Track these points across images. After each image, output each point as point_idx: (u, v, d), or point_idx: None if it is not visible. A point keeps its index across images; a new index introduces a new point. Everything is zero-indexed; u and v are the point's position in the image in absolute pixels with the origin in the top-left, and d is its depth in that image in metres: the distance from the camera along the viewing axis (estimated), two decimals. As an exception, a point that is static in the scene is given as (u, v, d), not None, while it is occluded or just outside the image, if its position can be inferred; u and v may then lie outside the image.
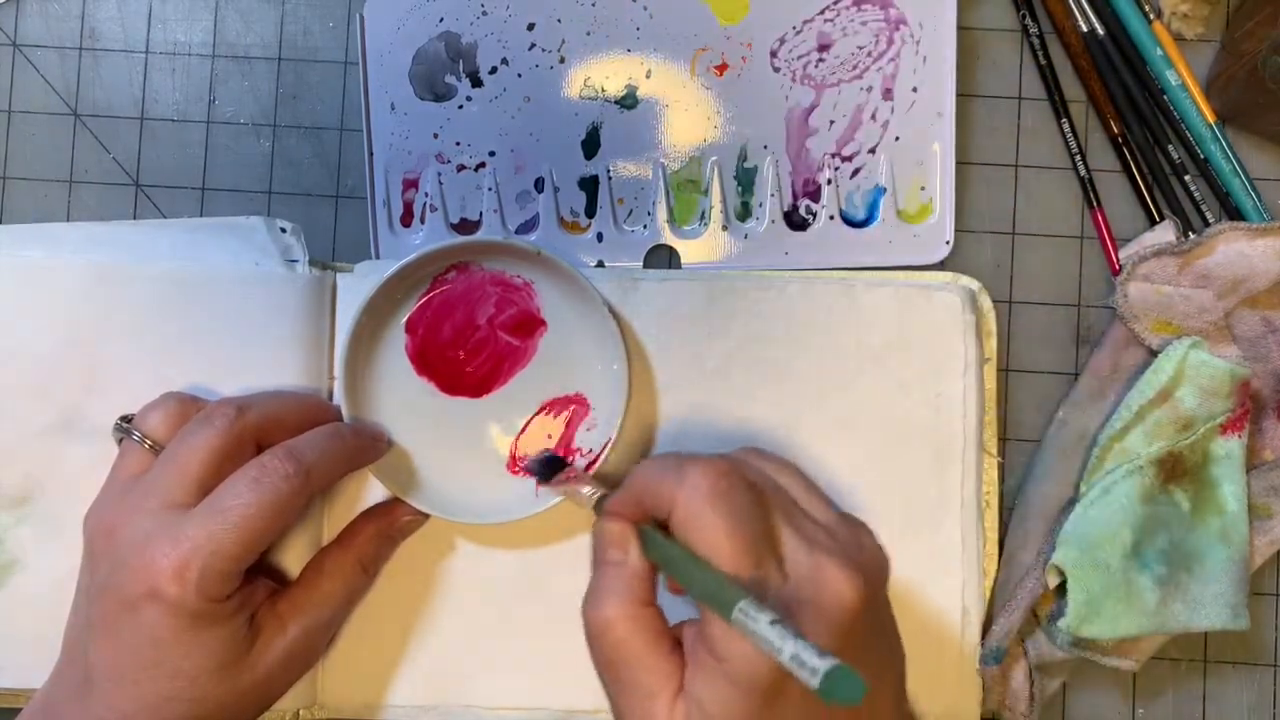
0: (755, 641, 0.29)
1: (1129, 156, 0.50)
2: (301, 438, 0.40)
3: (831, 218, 0.49)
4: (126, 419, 0.42)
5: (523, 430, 0.46)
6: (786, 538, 0.34)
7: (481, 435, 0.46)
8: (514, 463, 0.45)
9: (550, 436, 0.45)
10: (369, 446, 0.43)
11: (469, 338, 0.45)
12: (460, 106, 0.49)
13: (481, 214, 0.49)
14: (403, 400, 0.45)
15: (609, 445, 0.44)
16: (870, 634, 0.34)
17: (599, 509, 0.39)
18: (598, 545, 0.36)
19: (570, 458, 0.45)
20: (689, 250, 0.49)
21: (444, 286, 0.45)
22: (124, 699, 0.37)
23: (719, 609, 0.31)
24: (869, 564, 0.34)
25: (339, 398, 0.44)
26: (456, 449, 0.45)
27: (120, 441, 0.42)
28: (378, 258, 0.49)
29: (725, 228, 0.49)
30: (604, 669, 0.35)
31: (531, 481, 0.45)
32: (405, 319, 0.45)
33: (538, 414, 0.46)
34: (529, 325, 0.45)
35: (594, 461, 0.44)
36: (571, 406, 0.46)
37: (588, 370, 0.45)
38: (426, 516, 0.45)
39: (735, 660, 0.32)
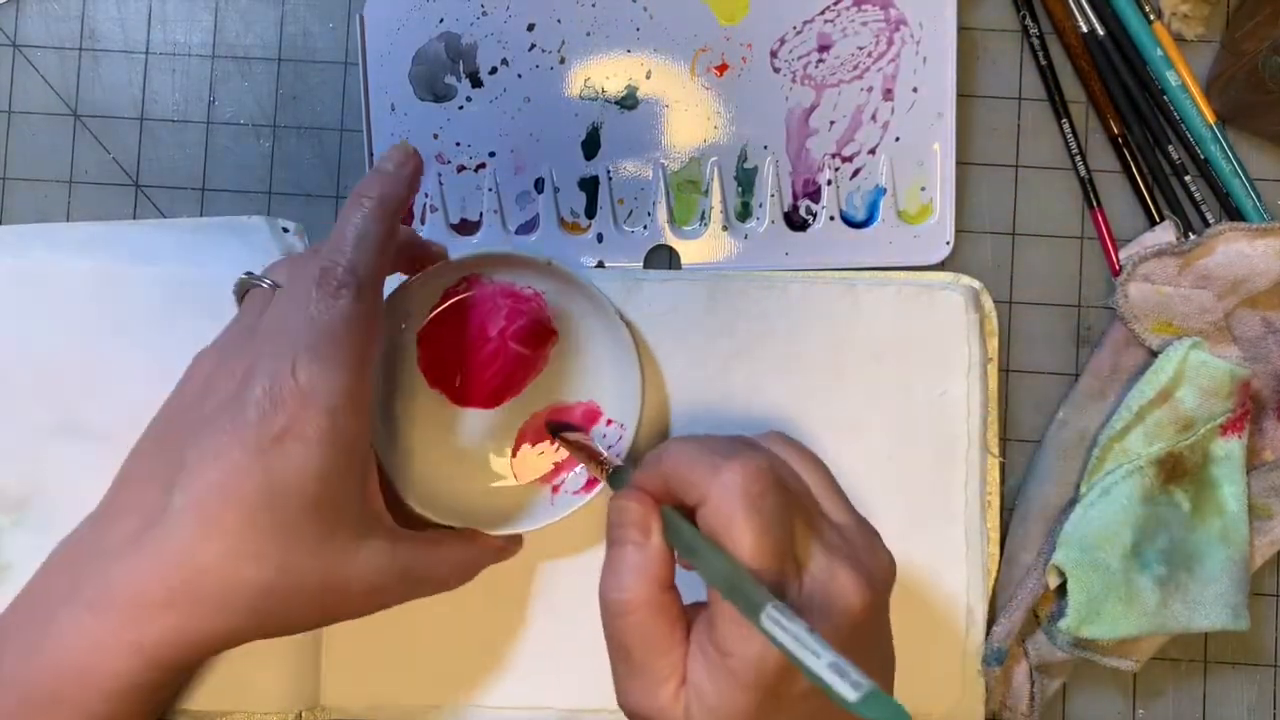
0: (782, 646, 0.29)
1: (1129, 156, 0.50)
2: (333, 238, 0.37)
3: (831, 218, 0.49)
4: (249, 274, 0.40)
5: (527, 439, 0.45)
6: (806, 541, 0.33)
7: (495, 446, 0.45)
8: (521, 471, 0.45)
9: (561, 448, 0.45)
10: (398, 190, 0.38)
11: (481, 349, 0.45)
12: (460, 107, 0.49)
13: (481, 215, 0.49)
14: (415, 412, 0.45)
15: (624, 449, 0.44)
16: (870, 641, 0.34)
17: (615, 481, 0.38)
18: (617, 524, 0.35)
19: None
20: (689, 251, 0.49)
21: (455, 298, 0.45)
22: (209, 545, 0.34)
23: (745, 609, 0.30)
24: (879, 572, 0.34)
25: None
26: (470, 460, 0.45)
27: (243, 296, 0.40)
28: (378, 258, 0.49)
29: (725, 228, 0.49)
30: (616, 650, 0.35)
31: (547, 490, 0.45)
32: (417, 331, 0.45)
33: (549, 412, 0.45)
34: (540, 335, 0.45)
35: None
36: (583, 413, 0.45)
37: (599, 378, 0.45)
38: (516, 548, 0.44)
39: (742, 657, 0.31)
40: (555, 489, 0.45)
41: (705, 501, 0.33)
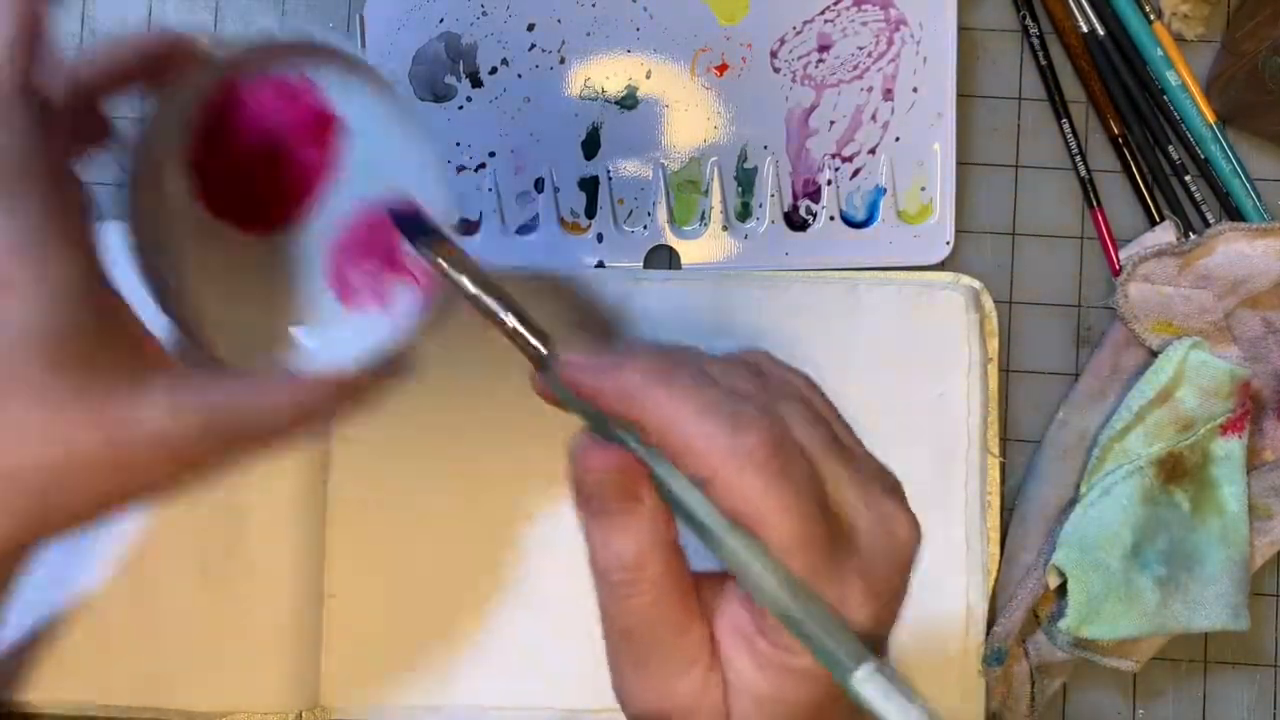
0: (874, 709, 0.25)
1: (1129, 156, 0.50)
2: None
3: (831, 218, 0.49)
4: None
5: (343, 252, 0.37)
6: (844, 485, 0.28)
7: (305, 270, 0.37)
8: (344, 292, 0.37)
9: (372, 253, 0.37)
10: None
11: (260, 162, 0.36)
12: (460, 107, 0.49)
13: (481, 214, 0.49)
14: (203, 251, 0.36)
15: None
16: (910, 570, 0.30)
17: (543, 366, 0.30)
18: (591, 493, 0.28)
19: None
20: (689, 251, 0.49)
21: (216, 111, 0.35)
22: None
23: (834, 670, 0.26)
24: (899, 486, 0.31)
25: (141, 281, 0.34)
26: (279, 292, 0.37)
27: None
28: (378, 258, 0.48)
29: (725, 228, 0.49)
30: (621, 639, 0.29)
31: (379, 311, 0.37)
32: (182, 158, 0.36)
33: (353, 230, 0.37)
34: (321, 128, 0.36)
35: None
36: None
37: (399, 169, 0.36)
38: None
39: (804, 659, 0.27)
40: (389, 307, 0.37)
41: (714, 477, 0.26)
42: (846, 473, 0.28)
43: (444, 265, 0.32)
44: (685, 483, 0.27)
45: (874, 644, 0.27)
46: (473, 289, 0.31)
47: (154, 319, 0.32)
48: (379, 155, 0.37)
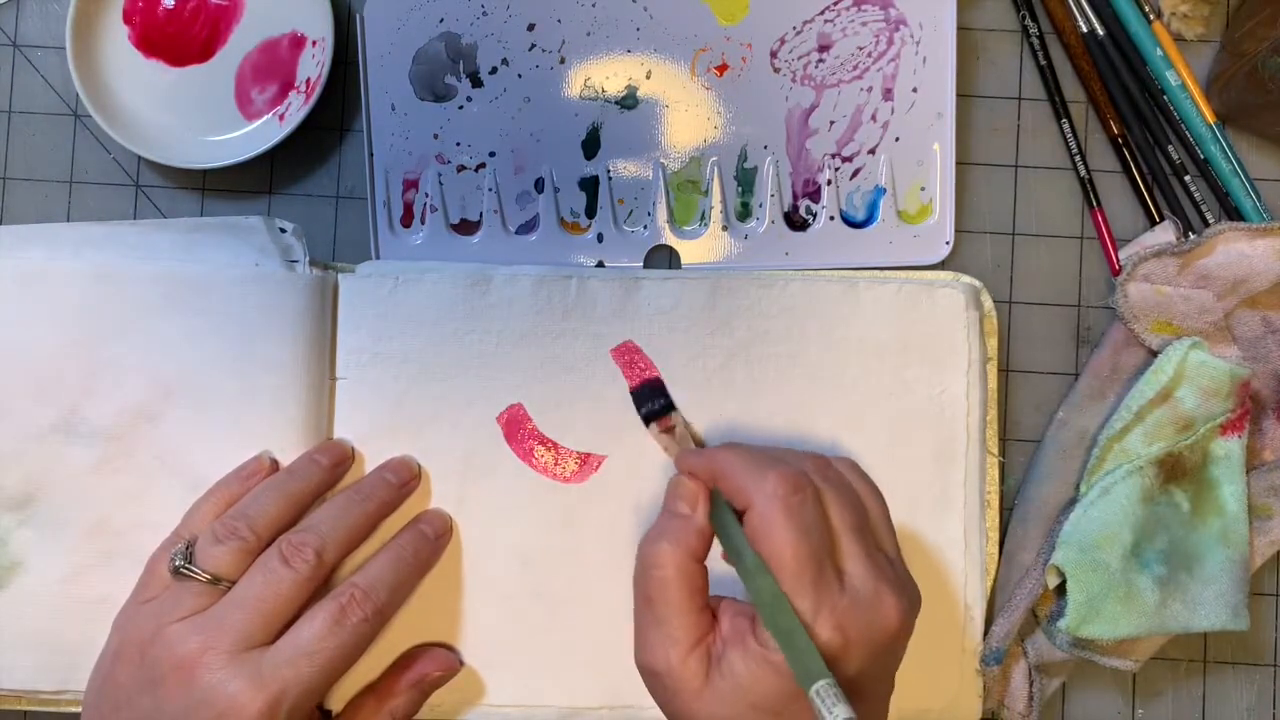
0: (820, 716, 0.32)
1: (1129, 157, 0.50)
2: (374, 572, 0.42)
3: (831, 218, 0.49)
4: (189, 550, 0.41)
5: (253, 75, 0.49)
6: (855, 556, 0.36)
7: (217, 92, 0.50)
8: (245, 107, 0.49)
9: (272, 78, 0.49)
10: (431, 557, 0.45)
11: (181, 11, 0.49)
12: (460, 107, 0.49)
13: (481, 214, 0.49)
14: (140, 87, 0.49)
15: (322, 72, 0.48)
16: (893, 662, 0.38)
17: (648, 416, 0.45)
18: (670, 495, 0.40)
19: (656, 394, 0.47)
20: (689, 251, 0.49)
21: None
22: None
23: (795, 668, 0.34)
24: (913, 601, 0.38)
25: (86, 102, 0.48)
26: (198, 110, 0.49)
27: (176, 571, 0.41)
28: (378, 258, 0.49)
29: (725, 228, 0.49)
30: (642, 601, 0.38)
31: (271, 119, 0.49)
32: (119, 16, 0.49)
33: (259, 52, 0.49)
34: None
35: (314, 87, 0.48)
36: (288, 41, 0.49)
37: (294, 7, 0.49)
38: (457, 669, 0.45)
39: (781, 656, 0.35)
40: (281, 118, 0.49)
41: (751, 507, 0.36)
42: (861, 552, 0.37)
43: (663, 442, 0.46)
44: (733, 520, 0.38)
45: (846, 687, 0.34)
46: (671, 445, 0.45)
47: None
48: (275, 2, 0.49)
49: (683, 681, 0.36)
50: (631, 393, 0.46)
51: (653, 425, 0.46)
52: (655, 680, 0.37)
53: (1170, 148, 0.50)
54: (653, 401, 0.46)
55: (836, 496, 0.38)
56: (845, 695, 0.32)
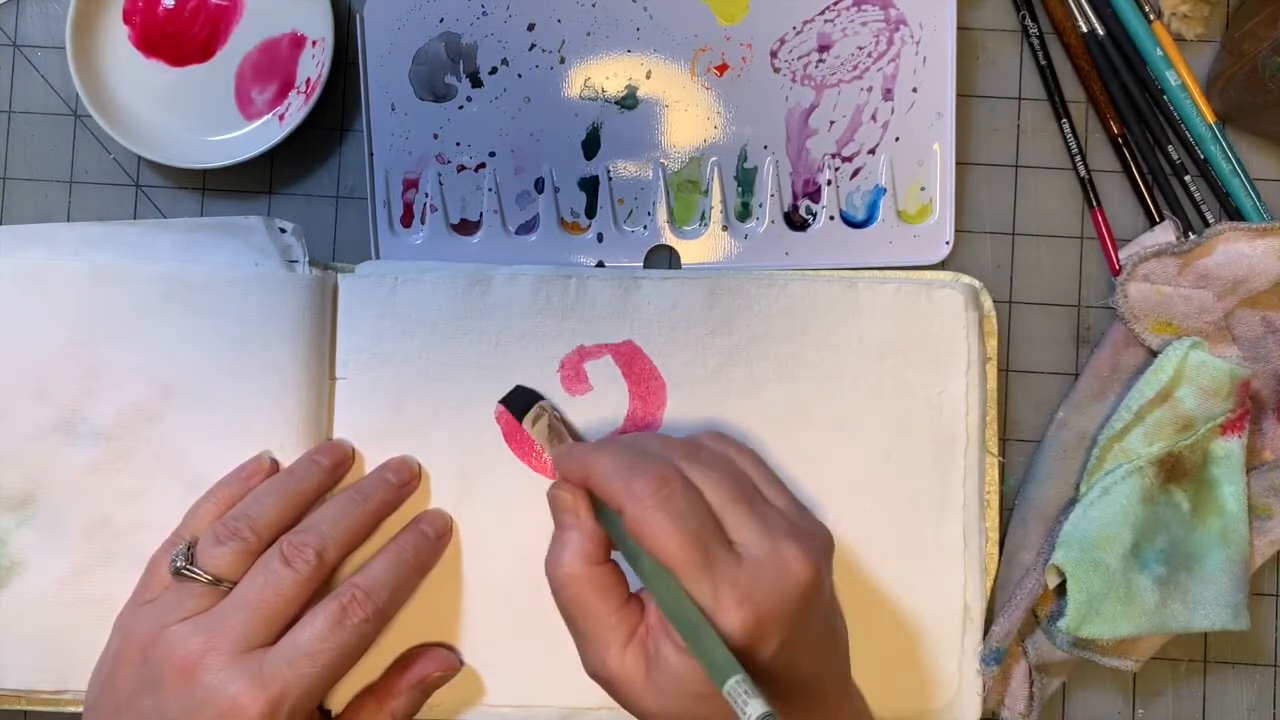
0: (736, 711, 0.32)
1: (1129, 156, 0.50)
2: (374, 572, 0.42)
3: (831, 218, 0.49)
4: (190, 551, 0.41)
5: (253, 75, 0.50)
6: (743, 525, 0.36)
7: (217, 92, 0.50)
8: (245, 107, 0.50)
9: (271, 78, 0.49)
10: (431, 557, 0.45)
11: (182, 12, 0.49)
12: (460, 107, 0.49)
13: (481, 214, 0.49)
14: (140, 87, 0.49)
15: (322, 72, 0.48)
16: (820, 611, 0.36)
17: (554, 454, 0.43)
18: (553, 509, 0.40)
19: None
20: (689, 251, 0.49)
21: None
22: None
23: (712, 673, 0.33)
24: (819, 542, 0.37)
25: (80, 92, 0.48)
26: (198, 110, 0.50)
27: (177, 572, 0.41)
28: (378, 258, 0.49)
29: (725, 228, 0.49)
30: (567, 621, 0.38)
31: (274, 119, 0.49)
32: (119, 16, 0.49)
33: (259, 52, 0.49)
34: None
35: (314, 87, 0.48)
36: (287, 41, 0.49)
37: (293, 8, 0.49)
38: (457, 669, 0.45)
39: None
40: (281, 118, 0.49)
41: (623, 511, 0.36)
42: (748, 518, 0.36)
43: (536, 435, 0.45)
44: (618, 521, 0.37)
45: (759, 665, 0.35)
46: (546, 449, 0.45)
47: None
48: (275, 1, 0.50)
49: (626, 683, 0.36)
50: (501, 400, 0.46)
51: (525, 420, 0.45)
52: (607, 687, 0.37)
53: (1170, 148, 0.50)
54: (516, 398, 0.46)
55: (707, 475, 0.37)
56: (757, 689, 0.32)
